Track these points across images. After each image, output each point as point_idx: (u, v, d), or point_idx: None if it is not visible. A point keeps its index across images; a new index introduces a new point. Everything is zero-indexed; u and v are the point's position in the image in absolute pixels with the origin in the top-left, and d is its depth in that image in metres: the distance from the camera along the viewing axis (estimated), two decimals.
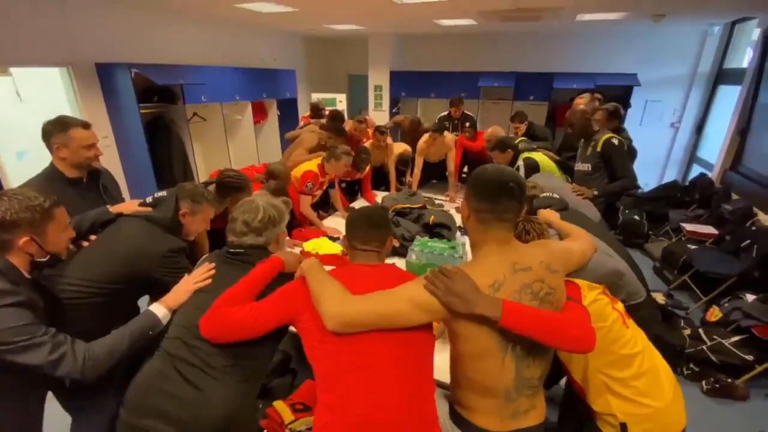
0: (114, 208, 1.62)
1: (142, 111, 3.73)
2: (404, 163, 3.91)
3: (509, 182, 1.03)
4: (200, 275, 1.32)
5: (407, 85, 6.39)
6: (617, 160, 2.65)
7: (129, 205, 1.63)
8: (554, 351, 1.15)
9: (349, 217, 1.28)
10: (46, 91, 3.68)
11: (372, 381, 1.00)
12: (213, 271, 1.32)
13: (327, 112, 4.57)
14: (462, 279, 0.98)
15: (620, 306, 1.31)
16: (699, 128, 5.45)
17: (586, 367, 1.24)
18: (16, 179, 3.03)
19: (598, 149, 2.70)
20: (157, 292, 1.40)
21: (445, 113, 4.52)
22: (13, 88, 3.60)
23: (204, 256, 1.47)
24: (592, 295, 1.25)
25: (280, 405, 1.42)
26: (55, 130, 1.66)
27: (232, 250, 1.36)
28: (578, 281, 1.24)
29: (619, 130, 3.10)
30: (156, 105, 4.11)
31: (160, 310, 1.29)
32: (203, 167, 4.84)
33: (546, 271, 1.05)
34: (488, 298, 0.96)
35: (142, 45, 4.10)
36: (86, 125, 1.73)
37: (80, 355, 1.09)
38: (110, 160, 3.69)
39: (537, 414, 1.09)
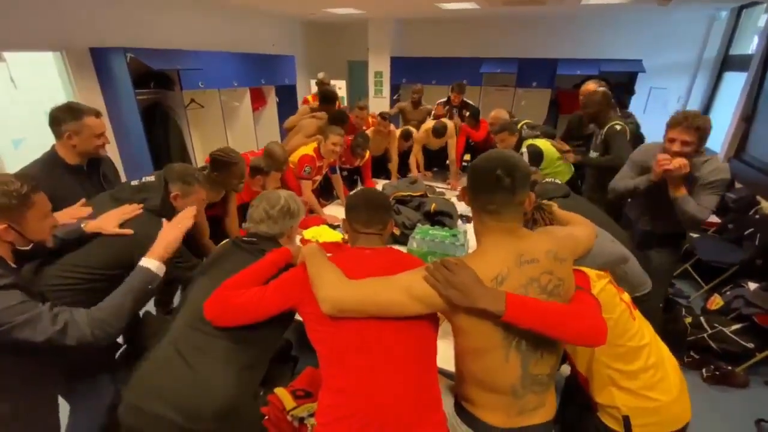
0: (90, 227, 1.41)
1: (138, 97, 3.67)
2: (407, 136, 3.76)
3: (496, 170, 0.94)
4: (184, 218, 1.32)
5: (408, 71, 6.30)
6: (614, 144, 2.58)
7: (107, 225, 1.41)
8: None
9: (350, 200, 1.26)
10: (41, 77, 3.62)
11: (374, 362, 1.00)
12: (195, 212, 1.35)
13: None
14: (463, 271, 0.93)
15: (626, 297, 1.27)
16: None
17: (591, 360, 1.21)
18: (12, 168, 2.98)
19: (603, 137, 2.68)
20: None
21: (444, 99, 4.44)
22: (7, 74, 3.54)
23: (224, 242, 1.51)
24: (601, 284, 1.20)
25: (281, 392, 1.42)
26: (68, 118, 1.62)
27: (246, 238, 1.38)
28: (586, 269, 1.20)
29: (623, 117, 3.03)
30: (153, 91, 4.05)
31: (152, 263, 1.23)
32: (201, 155, 4.79)
33: (554, 261, 0.99)
34: (491, 292, 0.91)
35: (137, 29, 4.02)
36: (98, 114, 1.71)
37: (83, 321, 1.08)
38: (107, 148, 3.64)
39: (546, 411, 1.05)
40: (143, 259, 1.24)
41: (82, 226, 1.40)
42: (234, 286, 1.14)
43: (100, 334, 1.10)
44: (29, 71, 3.61)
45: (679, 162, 1.80)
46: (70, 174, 1.69)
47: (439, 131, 3.59)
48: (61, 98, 1.61)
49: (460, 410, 1.10)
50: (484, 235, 1.02)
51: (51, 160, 1.66)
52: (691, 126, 1.80)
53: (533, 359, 0.98)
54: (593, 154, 2.79)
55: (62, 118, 1.62)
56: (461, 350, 1.03)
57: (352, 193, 1.52)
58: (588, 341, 0.94)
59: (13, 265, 1.11)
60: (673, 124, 1.86)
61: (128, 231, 1.41)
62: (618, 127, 2.62)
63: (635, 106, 5.20)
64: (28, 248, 1.12)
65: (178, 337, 1.18)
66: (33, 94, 3.63)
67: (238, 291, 1.13)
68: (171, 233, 1.28)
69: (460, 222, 2.67)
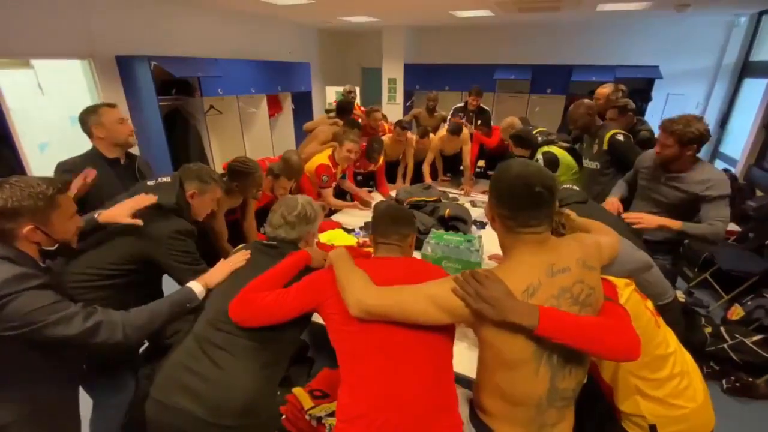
0: (104, 216, 1.43)
1: (160, 103, 3.79)
2: (455, 131, 3.61)
3: (535, 186, 0.91)
4: (237, 260, 1.39)
5: (421, 78, 6.35)
6: (631, 156, 2.44)
7: (120, 214, 1.43)
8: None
9: (373, 212, 1.38)
10: (68, 83, 3.76)
11: (393, 362, 1.02)
12: (248, 255, 1.40)
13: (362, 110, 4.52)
14: (494, 285, 0.90)
15: (650, 304, 1.25)
16: (723, 122, 5.29)
17: (617, 369, 1.18)
18: (38, 171, 3.09)
19: (604, 146, 2.57)
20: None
21: (461, 104, 4.46)
22: (35, 80, 3.68)
23: (240, 246, 1.56)
24: (627, 293, 1.18)
25: (299, 392, 1.45)
26: (89, 115, 1.82)
27: (266, 242, 1.44)
28: (612, 279, 1.18)
29: (636, 125, 2.98)
30: (174, 97, 4.17)
31: (197, 286, 1.34)
32: (220, 159, 4.89)
33: (584, 269, 0.97)
34: (523, 305, 0.88)
35: (161, 37, 4.16)
36: (111, 105, 1.90)
37: (117, 321, 1.13)
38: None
39: (565, 427, 1.03)
40: (192, 281, 1.35)
41: (95, 216, 1.43)
42: (257, 289, 1.19)
43: (131, 335, 1.15)
44: (56, 77, 3.76)
45: (639, 219, 1.89)
46: (108, 166, 1.86)
47: (455, 130, 3.58)
48: (86, 104, 1.68)
49: (477, 422, 1.08)
50: (515, 247, 0.99)
51: (91, 153, 1.87)
52: (667, 130, 1.91)
53: (562, 374, 0.96)
54: (591, 164, 2.70)
55: (85, 118, 1.82)
56: (488, 362, 1.00)
57: (375, 204, 1.58)
58: (622, 356, 0.91)
59: (42, 265, 1.14)
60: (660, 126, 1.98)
61: (138, 221, 1.43)
62: (621, 138, 2.52)
63: (652, 112, 5.15)
64: (53, 248, 1.15)
65: (202, 336, 1.22)
66: (59, 99, 3.78)
67: (262, 293, 1.17)
68: (224, 269, 1.38)
69: (474, 227, 2.68)
